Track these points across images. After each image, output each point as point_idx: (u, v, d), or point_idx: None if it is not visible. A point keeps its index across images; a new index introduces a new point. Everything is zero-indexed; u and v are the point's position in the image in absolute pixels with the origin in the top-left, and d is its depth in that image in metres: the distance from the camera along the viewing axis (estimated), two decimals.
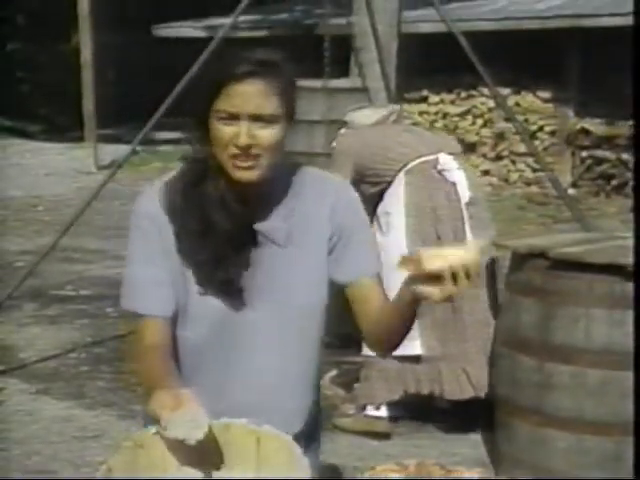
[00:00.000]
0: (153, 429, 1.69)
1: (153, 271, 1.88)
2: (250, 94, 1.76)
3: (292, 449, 1.62)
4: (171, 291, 1.87)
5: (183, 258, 1.86)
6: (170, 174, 1.93)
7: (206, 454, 1.66)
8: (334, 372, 4.80)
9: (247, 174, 1.81)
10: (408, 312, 1.79)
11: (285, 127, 1.82)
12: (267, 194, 1.89)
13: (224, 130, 1.78)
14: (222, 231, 1.84)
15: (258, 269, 1.88)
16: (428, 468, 1.71)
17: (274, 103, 1.78)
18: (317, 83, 6.18)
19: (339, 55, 7.90)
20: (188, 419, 1.63)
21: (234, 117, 1.77)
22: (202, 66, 5.16)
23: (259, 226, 1.89)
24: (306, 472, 1.56)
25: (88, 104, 13.40)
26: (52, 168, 12.92)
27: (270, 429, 1.68)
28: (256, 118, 1.77)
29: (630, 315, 3.51)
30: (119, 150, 8.73)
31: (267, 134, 1.79)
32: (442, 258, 1.65)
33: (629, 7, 10.39)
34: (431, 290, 1.65)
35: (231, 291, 1.86)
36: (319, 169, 2.04)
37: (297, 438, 1.78)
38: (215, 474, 1.67)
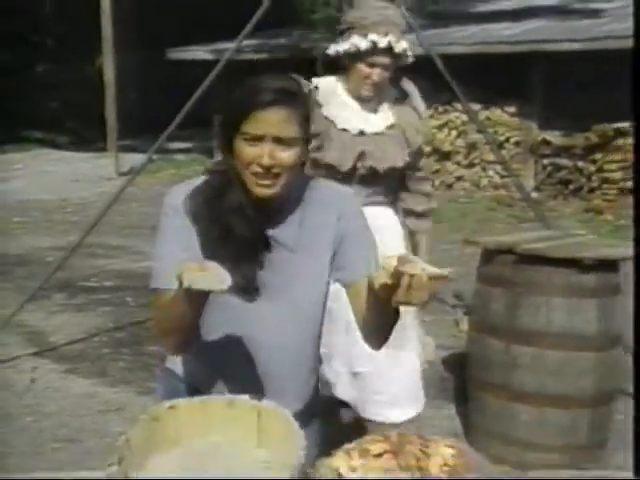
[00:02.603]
0: (167, 404, 1.68)
1: (177, 255, 1.83)
2: (274, 120, 1.75)
3: (289, 421, 1.62)
4: None
5: (204, 256, 1.83)
6: (196, 181, 1.91)
7: None
8: None
9: (266, 191, 1.79)
10: (387, 310, 1.72)
11: (302, 149, 1.81)
12: (281, 204, 1.87)
13: (248, 150, 1.77)
14: (240, 237, 1.82)
15: (270, 270, 1.87)
16: (409, 438, 1.70)
17: (294, 128, 1.77)
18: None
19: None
20: (213, 275, 1.62)
21: (258, 139, 1.76)
22: (212, 86, 5.15)
23: (273, 233, 1.87)
24: (301, 441, 1.55)
25: (110, 118, 13.38)
26: (78, 175, 12.91)
27: (269, 404, 1.67)
28: (278, 141, 1.76)
29: (585, 303, 3.52)
30: (137, 158, 8.72)
31: (287, 155, 1.77)
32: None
33: (586, 34, 10.41)
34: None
35: (247, 289, 1.85)
36: (327, 181, 2.02)
37: (297, 416, 1.78)
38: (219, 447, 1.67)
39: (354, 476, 1.60)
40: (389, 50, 2.98)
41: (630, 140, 9.55)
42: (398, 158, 3.14)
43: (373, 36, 2.98)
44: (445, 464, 1.62)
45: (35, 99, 16.84)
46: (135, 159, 9.85)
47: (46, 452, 3.88)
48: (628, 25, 10.34)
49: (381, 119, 3.14)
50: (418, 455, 1.64)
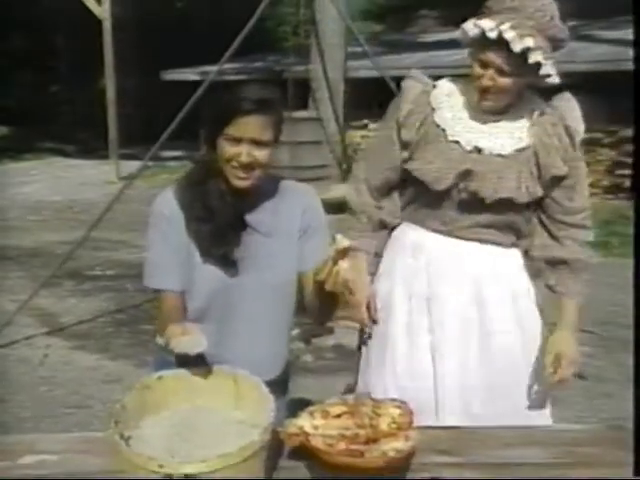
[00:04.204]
0: (156, 375, 1.68)
1: (166, 259, 1.86)
2: (252, 125, 1.76)
3: (261, 387, 1.62)
4: (180, 271, 1.86)
5: (191, 238, 1.85)
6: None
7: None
8: (296, 330, 4.78)
9: (242, 182, 1.81)
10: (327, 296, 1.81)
11: (274, 149, 1.83)
12: (256, 194, 1.88)
13: (229, 149, 1.78)
14: (220, 216, 1.83)
15: (247, 251, 1.87)
16: (363, 401, 1.72)
17: (269, 132, 1.79)
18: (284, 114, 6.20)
19: (300, 93, 7.90)
20: (190, 340, 1.65)
21: (238, 140, 1.77)
22: (198, 102, 5.12)
23: (248, 218, 1.88)
24: (271, 404, 1.56)
25: (112, 130, 13.25)
26: (85, 179, 12.80)
27: (244, 372, 1.68)
28: (255, 142, 1.78)
29: None
30: (135, 165, 8.63)
31: (262, 154, 1.79)
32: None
33: None
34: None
35: (227, 263, 1.85)
36: (295, 181, 2.02)
37: (275, 383, 1.79)
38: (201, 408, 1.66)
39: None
40: (506, 46, 1.92)
41: None
42: (520, 189, 2.05)
43: (484, 23, 1.95)
44: (393, 422, 1.64)
45: (49, 114, 16.72)
46: (133, 165, 9.75)
47: (58, 416, 3.86)
48: None
49: (511, 139, 2.07)
50: (370, 415, 1.66)
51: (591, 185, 9.50)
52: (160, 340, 1.86)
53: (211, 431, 1.58)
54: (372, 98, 11.52)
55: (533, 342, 2.13)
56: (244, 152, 1.77)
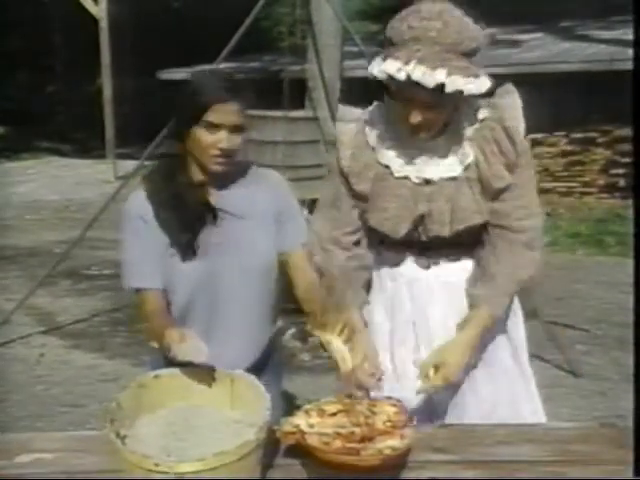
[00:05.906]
0: (152, 373, 1.68)
1: (144, 258, 1.88)
2: (230, 111, 1.79)
3: (257, 387, 1.62)
4: (159, 269, 1.87)
5: (165, 231, 1.86)
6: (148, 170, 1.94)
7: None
8: (293, 330, 4.78)
9: (221, 167, 1.84)
10: None
11: (246, 135, 1.86)
12: (228, 179, 1.90)
13: (208, 137, 1.80)
14: (190, 208, 1.85)
15: (223, 235, 1.88)
16: (358, 399, 1.71)
17: (242, 117, 1.82)
18: (280, 113, 6.18)
19: (297, 92, 7.89)
20: (192, 348, 1.64)
21: (217, 127, 1.79)
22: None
23: (223, 204, 1.89)
24: (267, 403, 1.56)
25: (109, 130, 13.24)
26: (81, 178, 12.78)
27: (241, 372, 1.68)
28: (233, 128, 1.80)
29: None
30: (131, 164, 8.62)
31: (238, 140, 1.82)
32: None
33: (505, 61, 10.49)
34: None
35: (197, 251, 1.86)
36: (261, 167, 2.03)
37: (259, 364, 1.80)
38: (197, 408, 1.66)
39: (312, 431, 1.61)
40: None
41: (545, 149, 9.68)
42: (475, 214, 1.91)
43: (389, 66, 1.76)
44: (388, 420, 1.64)
45: (46, 114, 16.71)
46: (130, 165, 9.72)
47: (54, 415, 3.85)
48: (537, 54, 10.46)
49: (458, 155, 1.91)
50: (366, 413, 1.66)
51: (586, 184, 9.58)
52: (154, 345, 1.86)
53: (207, 430, 1.58)
54: (368, 98, 11.48)
55: (521, 349, 2.09)
56: (224, 138, 1.79)
